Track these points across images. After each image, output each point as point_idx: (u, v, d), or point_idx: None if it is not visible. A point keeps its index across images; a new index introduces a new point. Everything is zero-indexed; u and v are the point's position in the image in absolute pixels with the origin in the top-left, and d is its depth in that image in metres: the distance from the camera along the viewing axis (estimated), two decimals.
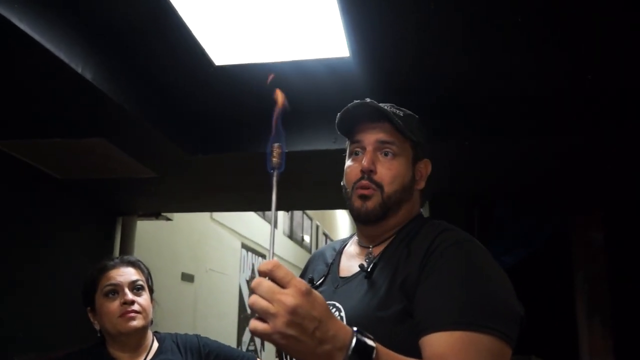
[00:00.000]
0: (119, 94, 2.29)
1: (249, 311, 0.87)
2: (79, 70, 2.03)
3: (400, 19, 2.04)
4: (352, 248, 1.21)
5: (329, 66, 2.36)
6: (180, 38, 2.16)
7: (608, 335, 3.75)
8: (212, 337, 1.79)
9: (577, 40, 2.16)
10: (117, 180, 3.46)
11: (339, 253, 1.22)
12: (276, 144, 0.84)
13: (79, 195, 3.71)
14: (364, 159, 1.10)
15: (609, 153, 2.93)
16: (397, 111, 1.14)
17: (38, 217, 3.25)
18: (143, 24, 2.13)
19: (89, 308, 1.62)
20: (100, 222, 4.03)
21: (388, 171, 1.09)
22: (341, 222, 15.28)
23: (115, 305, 1.56)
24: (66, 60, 1.95)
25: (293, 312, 0.70)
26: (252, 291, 0.73)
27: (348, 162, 1.15)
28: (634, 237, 3.89)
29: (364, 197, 1.09)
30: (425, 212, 3.97)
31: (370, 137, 1.11)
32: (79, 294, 1.65)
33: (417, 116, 1.18)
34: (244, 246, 7.41)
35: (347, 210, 1.21)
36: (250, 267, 7.66)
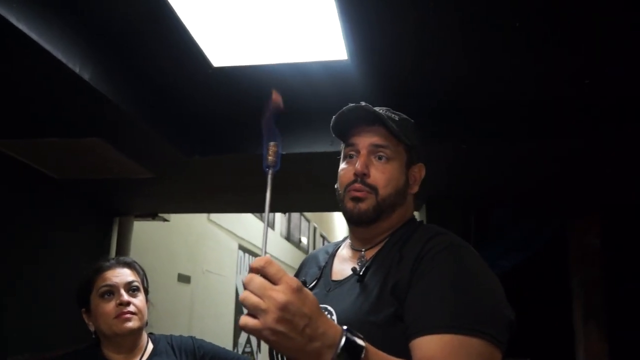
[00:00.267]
0: (116, 95, 2.29)
1: (245, 312, 0.88)
2: (77, 71, 2.02)
3: (398, 19, 2.04)
4: (344, 251, 1.21)
5: (328, 68, 2.36)
6: (179, 39, 2.15)
7: (604, 339, 3.76)
8: (209, 339, 1.79)
9: (577, 41, 2.16)
10: (114, 181, 3.46)
11: (332, 256, 1.23)
12: (272, 143, 0.84)
13: (76, 195, 3.71)
14: (357, 163, 1.10)
15: (607, 157, 2.94)
16: (393, 115, 1.14)
17: (34, 216, 3.25)
18: (142, 25, 2.13)
19: (83, 309, 1.62)
20: (97, 222, 4.03)
21: (382, 175, 1.09)
22: (339, 224, 15.29)
23: (110, 306, 1.56)
24: (64, 60, 1.95)
25: (283, 308, 0.70)
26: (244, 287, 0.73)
27: (342, 165, 1.16)
28: (630, 241, 3.90)
29: (357, 199, 1.09)
30: (422, 214, 3.99)
31: (365, 141, 1.11)
32: (74, 294, 1.65)
33: (412, 120, 1.18)
34: (241, 247, 7.41)
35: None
36: (247, 268, 7.65)
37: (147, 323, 1.64)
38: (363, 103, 1.11)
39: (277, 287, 0.71)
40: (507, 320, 0.92)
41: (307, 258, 1.33)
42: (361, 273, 1.05)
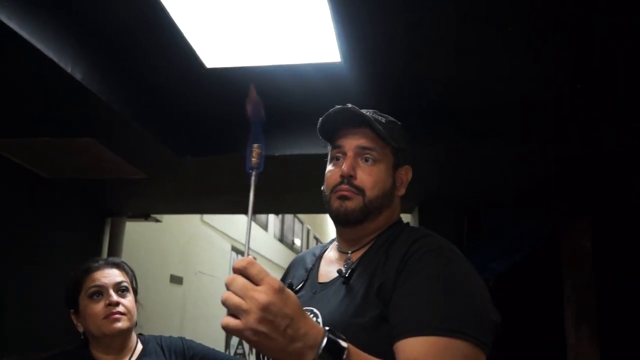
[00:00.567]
0: (108, 94, 2.29)
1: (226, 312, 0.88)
2: (69, 70, 2.02)
3: (389, 20, 2.05)
4: (331, 253, 1.21)
5: (320, 70, 2.36)
6: (172, 40, 2.15)
7: (595, 344, 3.77)
8: (201, 340, 1.78)
9: (576, 42, 2.17)
10: (106, 181, 3.45)
11: (319, 258, 1.22)
12: (255, 145, 0.85)
13: (68, 195, 3.70)
14: (344, 164, 1.10)
15: (602, 160, 2.94)
16: (379, 117, 1.14)
17: (26, 216, 3.23)
18: (135, 25, 2.13)
19: (72, 310, 1.61)
20: (89, 222, 4.01)
21: (368, 177, 1.10)
22: (332, 226, 15.25)
23: (99, 306, 1.55)
24: (56, 59, 1.95)
25: (265, 309, 0.70)
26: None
27: (329, 167, 1.16)
28: (622, 245, 3.91)
29: (343, 197, 1.09)
30: (414, 216, 3.97)
31: (351, 143, 1.12)
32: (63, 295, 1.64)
33: (399, 123, 1.18)
34: (233, 249, 7.40)
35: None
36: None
37: (136, 323, 1.64)
38: (350, 105, 1.12)
39: (259, 288, 0.71)
40: (493, 323, 0.93)
41: (294, 260, 1.33)
42: (347, 275, 1.05)
